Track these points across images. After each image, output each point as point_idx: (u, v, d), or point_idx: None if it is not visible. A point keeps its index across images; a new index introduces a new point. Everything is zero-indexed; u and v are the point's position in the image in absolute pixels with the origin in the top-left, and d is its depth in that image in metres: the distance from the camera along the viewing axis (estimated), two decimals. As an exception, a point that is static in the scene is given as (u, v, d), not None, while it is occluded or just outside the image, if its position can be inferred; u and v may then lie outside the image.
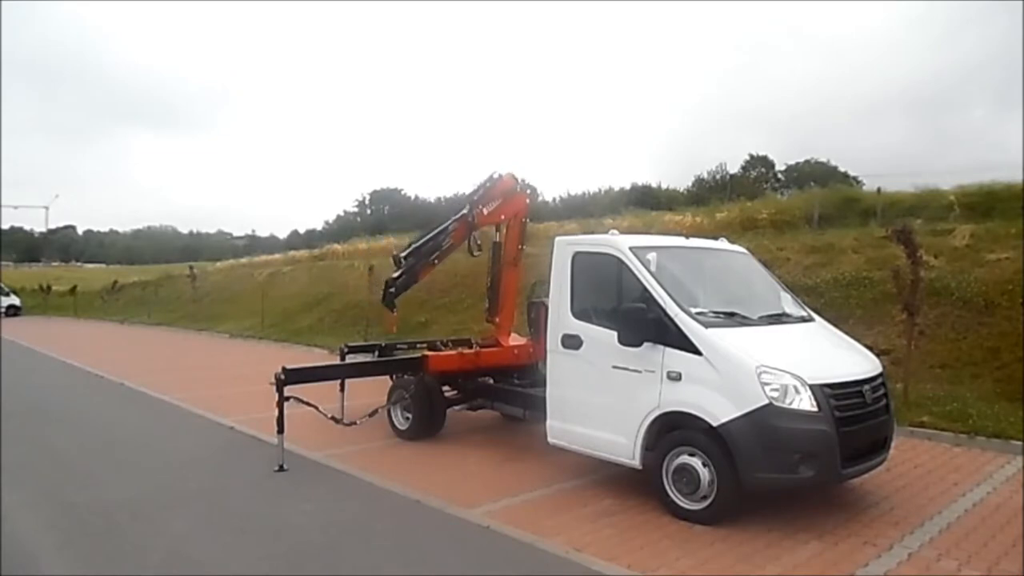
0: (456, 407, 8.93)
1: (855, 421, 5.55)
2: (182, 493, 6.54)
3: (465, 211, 9.01)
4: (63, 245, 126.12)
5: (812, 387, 5.37)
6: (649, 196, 50.21)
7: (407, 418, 8.58)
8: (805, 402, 5.34)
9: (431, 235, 9.20)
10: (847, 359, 6.13)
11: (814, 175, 49.54)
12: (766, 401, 5.29)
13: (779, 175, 59.33)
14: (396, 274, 9.26)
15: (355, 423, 8.05)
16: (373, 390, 9.03)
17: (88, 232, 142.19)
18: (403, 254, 9.25)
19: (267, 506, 6.14)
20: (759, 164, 61.56)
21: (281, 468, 7.08)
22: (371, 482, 6.79)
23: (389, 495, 6.42)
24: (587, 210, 40.13)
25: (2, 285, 43.21)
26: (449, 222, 9.12)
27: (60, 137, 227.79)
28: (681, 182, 63.67)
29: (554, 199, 60.50)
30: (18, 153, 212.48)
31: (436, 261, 9.36)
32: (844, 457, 5.44)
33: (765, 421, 5.28)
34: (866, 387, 5.75)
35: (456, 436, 8.68)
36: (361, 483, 6.81)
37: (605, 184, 64.90)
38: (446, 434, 8.65)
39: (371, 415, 8.13)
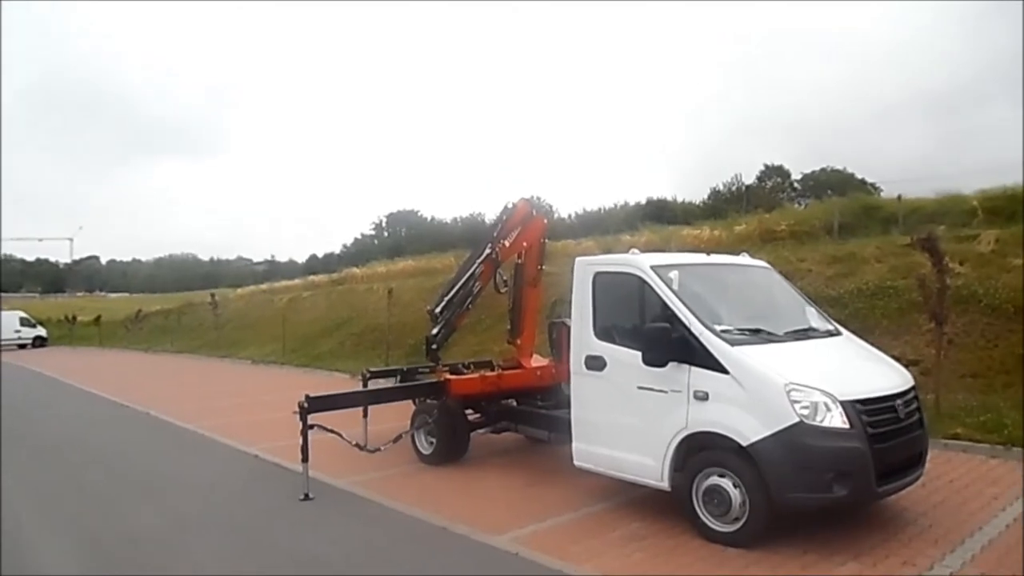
0: (480, 430, 8.87)
1: (889, 437, 5.43)
2: (209, 525, 6.54)
3: (488, 251, 8.99)
4: (87, 275, 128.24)
5: (843, 404, 5.26)
6: (665, 210, 50.21)
7: (431, 443, 8.53)
8: (836, 419, 5.23)
9: (460, 283, 9.14)
10: (878, 373, 6.01)
11: (831, 183, 49.33)
12: (796, 419, 5.19)
13: (795, 184, 59.04)
14: (435, 330, 9.20)
15: (379, 449, 8.02)
16: (396, 414, 8.99)
17: (111, 262, 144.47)
18: (437, 309, 9.17)
19: (293, 536, 6.11)
20: (775, 174, 61.33)
21: (306, 497, 7.06)
22: (396, 509, 6.74)
23: (415, 522, 6.37)
24: (603, 226, 40.09)
25: (28, 316, 43.93)
26: (475, 265, 9.08)
27: (83, 169, 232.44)
28: (697, 195, 63.60)
29: (569, 215, 60.72)
30: (43, 186, 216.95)
31: (470, 307, 9.34)
32: (879, 475, 5.32)
33: (796, 440, 5.17)
34: (899, 402, 5.63)
35: (480, 460, 8.62)
36: (386, 510, 6.76)
37: (620, 199, 65.07)
38: (470, 458, 8.59)
39: (395, 441, 8.10)
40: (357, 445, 8.00)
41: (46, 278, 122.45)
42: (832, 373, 5.66)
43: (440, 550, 5.70)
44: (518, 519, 6.32)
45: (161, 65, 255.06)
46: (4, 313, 44.32)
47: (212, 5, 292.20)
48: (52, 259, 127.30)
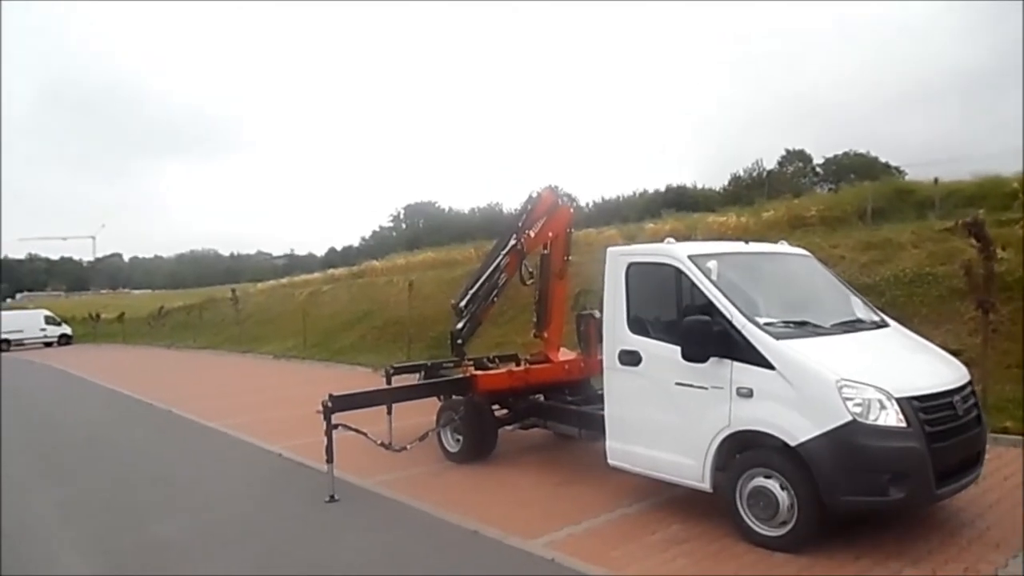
0: (507, 427, 8.63)
1: (947, 436, 5.10)
2: (234, 529, 6.37)
3: (513, 241, 8.73)
4: (110, 273, 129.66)
5: (899, 401, 4.94)
6: (685, 197, 49.58)
7: (457, 440, 8.32)
8: (892, 417, 4.92)
9: (485, 276, 8.91)
10: (932, 368, 5.67)
11: (854, 167, 48.52)
12: (849, 418, 4.88)
13: (817, 169, 58.10)
14: (460, 324, 8.98)
15: (405, 448, 7.80)
16: (421, 409, 8.75)
17: (134, 259, 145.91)
18: (462, 303, 8.95)
19: (321, 541, 5.92)
20: (796, 159, 60.39)
21: (332, 498, 6.88)
22: (425, 511, 6.53)
23: (445, 526, 6.16)
24: (622, 214, 39.69)
25: (53, 315, 44.43)
26: (500, 256, 8.83)
27: (105, 168, 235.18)
28: (716, 181, 62.71)
29: (587, 204, 60.10)
30: (66, 186, 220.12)
31: (496, 299, 9.09)
32: (937, 476, 5.00)
33: (849, 440, 4.87)
34: (956, 398, 5.30)
35: (508, 458, 8.38)
36: (415, 513, 6.55)
37: (638, 187, 64.37)
38: (498, 456, 8.36)
39: (421, 439, 7.87)
40: (383, 444, 7.79)
41: (71, 276, 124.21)
42: (885, 368, 5.34)
43: (472, 556, 5.46)
44: (551, 521, 6.07)
45: (179, 64, 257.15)
46: (29, 312, 45.06)
47: (229, 4, 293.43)
48: (76, 257, 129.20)
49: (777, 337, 5.32)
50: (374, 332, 23.49)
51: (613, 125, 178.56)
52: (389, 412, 8.85)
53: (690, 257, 5.90)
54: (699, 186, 57.54)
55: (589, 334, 8.61)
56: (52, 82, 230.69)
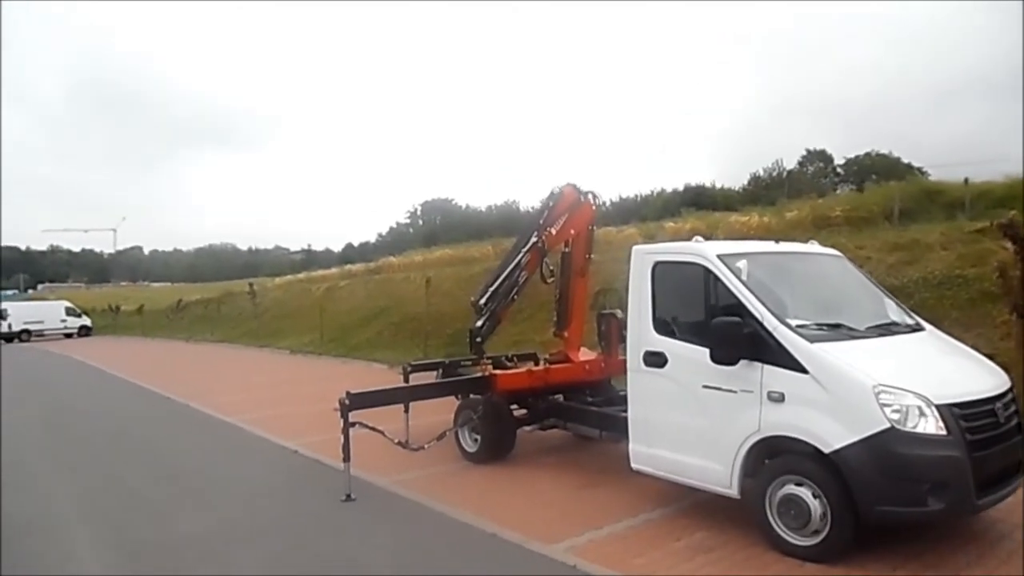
0: (526, 427, 8.48)
1: (988, 444, 4.88)
2: (250, 528, 6.28)
3: (534, 239, 8.57)
4: (131, 265, 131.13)
5: (939, 407, 4.74)
6: (704, 196, 49.12)
7: (475, 440, 8.19)
8: (931, 425, 4.72)
9: (505, 273, 8.76)
10: (972, 373, 5.45)
11: (875, 168, 47.86)
12: (887, 425, 4.68)
13: (839, 169, 57.38)
14: (479, 322, 8.83)
15: (423, 447, 7.68)
16: (438, 407, 8.62)
17: (154, 252, 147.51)
18: (482, 300, 8.81)
19: (337, 541, 5.81)
20: (817, 159, 59.69)
21: (348, 497, 6.77)
22: (442, 512, 6.40)
23: (463, 527, 6.02)
24: (640, 213, 39.42)
25: (74, 306, 44.94)
26: (520, 254, 8.67)
27: (126, 162, 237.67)
28: (735, 180, 62.17)
29: (605, 203, 59.57)
30: (88, 180, 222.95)
31: (516, 297, 8.94)
32: (978, 486, 4.79)
33: (886, 447, 4.67)
34: (998, 405, 5.08)
35: (527, 458, 8.23)
36: (432, 513, 6.42)
37: (656, 186, 63.92)
38: (516, 456, 8.22)
39: (439, 438, 7.75)
40: (400, 443, 7.68)
41: (92, 268, 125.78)
42: (923, 373, 5.13)
43: (491, 559, 5.33)
44: (572, 525, 5.92)
45: (202, 61, 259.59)
46: (50, 303, 45.64)
47: (251, 3, 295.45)
48: (97, 250, 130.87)
49: (810, 340, 5.13)
50: (391, 328, 23.44)
51: (629, 125, 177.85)
52: (406, 410, 8.74)
53: (719, 256, 5.72)
54: (719, 185, 57.09)
55: (610, 334, 8.47)
56: (79, 81, 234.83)
